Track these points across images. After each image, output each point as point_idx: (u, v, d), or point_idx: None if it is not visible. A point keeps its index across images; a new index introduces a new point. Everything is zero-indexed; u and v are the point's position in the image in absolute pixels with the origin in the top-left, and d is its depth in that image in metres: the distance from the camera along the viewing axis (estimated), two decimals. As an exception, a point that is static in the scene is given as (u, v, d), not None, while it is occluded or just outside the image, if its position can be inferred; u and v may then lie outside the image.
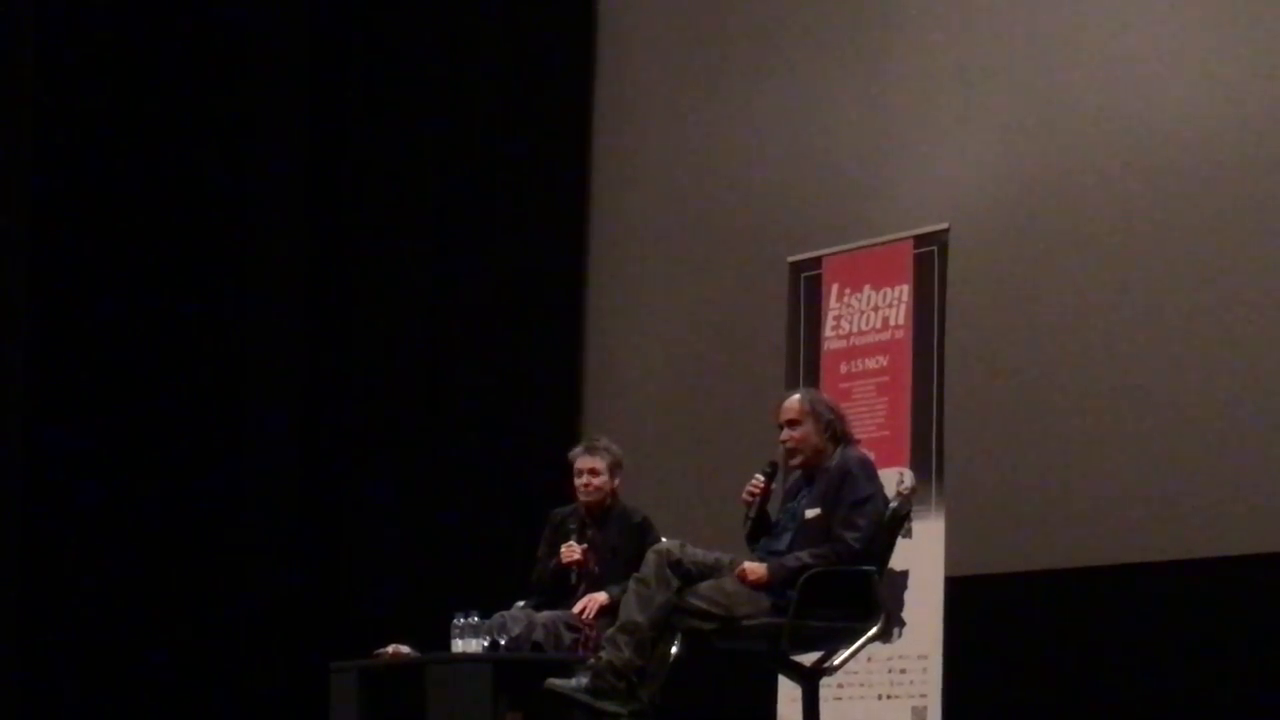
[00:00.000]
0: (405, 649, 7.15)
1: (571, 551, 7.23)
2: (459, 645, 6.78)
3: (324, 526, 11.10)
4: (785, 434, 6.62)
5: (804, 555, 6.39)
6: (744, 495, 6.64)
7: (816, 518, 6.49)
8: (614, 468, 7.52)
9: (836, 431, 6.65)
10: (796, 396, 6.73)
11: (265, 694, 10.69)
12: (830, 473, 6.55)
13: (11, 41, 10.55)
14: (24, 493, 10.43)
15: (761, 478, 6.64)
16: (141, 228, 10.82)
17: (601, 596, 7.17)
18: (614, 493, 7.52)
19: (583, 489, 7.49)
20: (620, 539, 7.38)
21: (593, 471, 7.48)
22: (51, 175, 10.61)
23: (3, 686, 10.28)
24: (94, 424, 10.61)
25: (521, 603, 7.37)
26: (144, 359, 10.81)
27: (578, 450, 7.56)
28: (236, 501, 11.05)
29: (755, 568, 6.35)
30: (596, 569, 7.35)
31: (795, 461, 6.64)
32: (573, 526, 7.50)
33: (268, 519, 11.12)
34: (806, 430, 6.61)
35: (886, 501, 6.57)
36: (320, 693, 7.32)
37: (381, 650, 7.18)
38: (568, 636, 7.06)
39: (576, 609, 7.12)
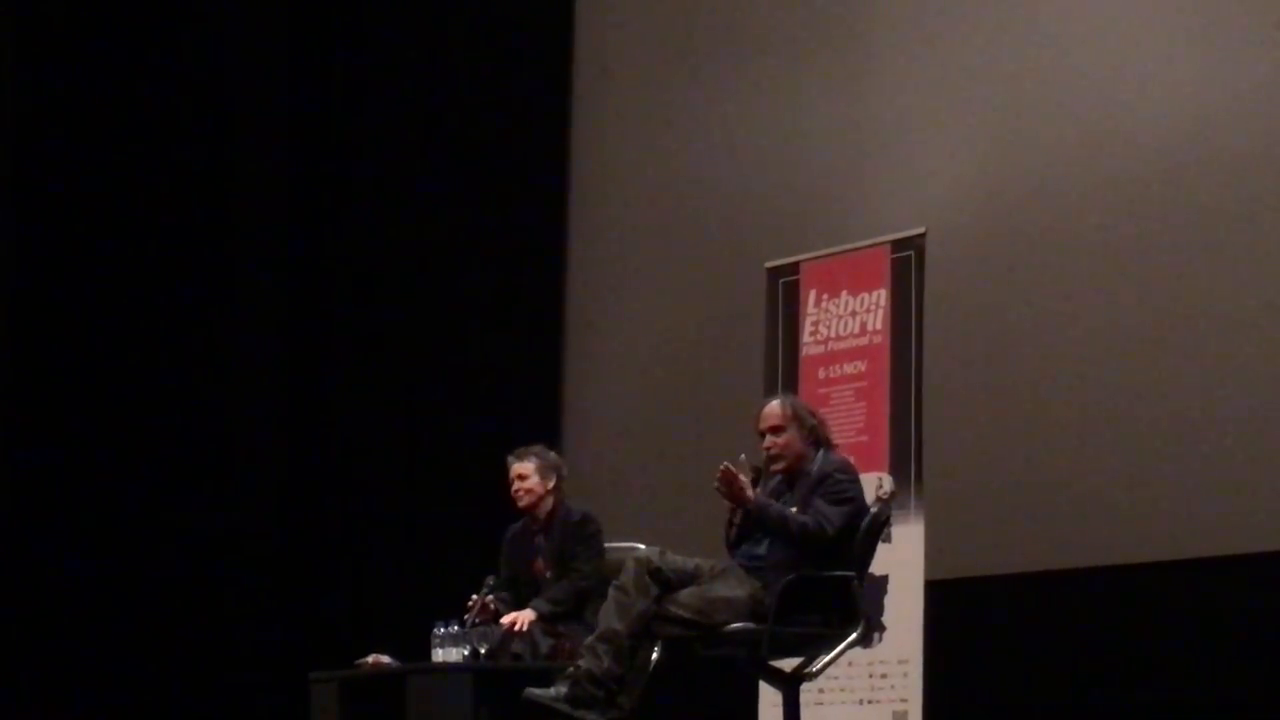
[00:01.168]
0: (386, 659, 7.12)
1: (472, 605, 7.15)
2: (439, 655, 6.77)
3: (304, 536, 11.08)
4: (769, 440, 6.62)
5: (787, 513, 6.39)
6: (717, 485, 6.61)
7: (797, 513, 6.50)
8: (545, 471, 7.44)
9: (818, 436, 6.67)
10: (777, 402, 6.73)
11: (245, 705, 10.67)
12: (811, 477, 6.55)
13: None
14: (1, 509, 10.40)
15: (744, 479, 6.63)
16: (123, 224, 10.80)
17: (527, 614, 7.11)
18: (551, 495, 7.44)
19: (516, 495, 7.44)
20: (566, 542, 7.36)
21: (521, 476, 7.42)
22: (33, 179, 10.59)
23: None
24: (72, 430, 10.59)
25: (490, 580, 7.35)
26: (125, 365, 10.78)
27: (510, 458, 7.51)
28: (217, 511, 11.02)
29: (746, 485, 6.36)
30: (549, 575, 7.34)
31: (778, 467, 6.64)
32: (524, 539, 7.47)
33: (248, 529, 11.09)
34: (790, 436, 6.61)
35: (866, 506, 6.57)
36: (301, 703, 7.30)
37: (362, 660, 7.16)
38: (545, 644, 7.04)
39: (505, 623, 7.08)
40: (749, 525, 6.65)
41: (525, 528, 7.51)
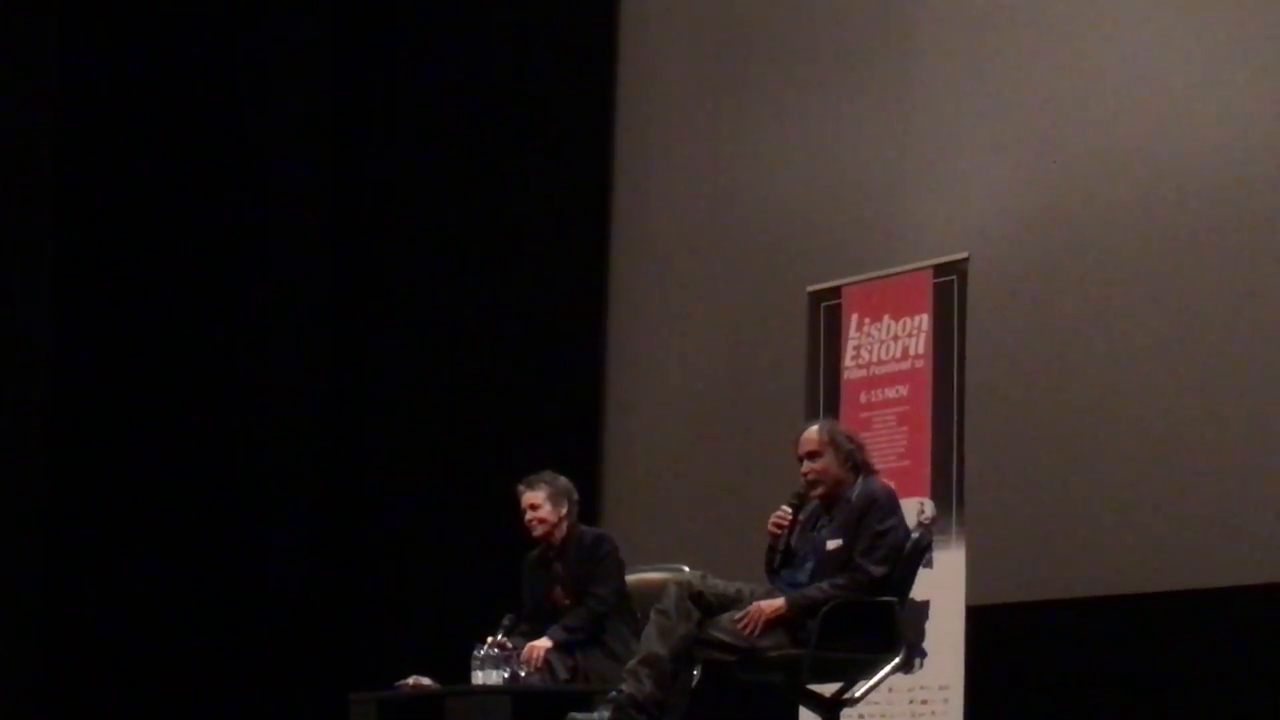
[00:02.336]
0: (425, 680, 7.12)
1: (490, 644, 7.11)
2: (479, 677, 6.76)
3: (345, 557, 11.10)
4: (806, 466, 6.60)
5: (825, 585, 6.37)
6: (770, 526, 6.62)
7: (838, 549, 6.48)
8: (556, 498, 7.37)
9: (856, 461, 6.64)
10: (815, 428, 6.72)
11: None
12: (852, 503, 6.53)
13: (37, 57, 10.59)
14: (44, 522, 10.44)
15: (788, 509, 6.63)
16: (164, 229, 10.81)
17: (543, 644, 7.07)
18: (564, 521, 7.38)
19: (530, 525, 7.39)
20: (582, 567, 7.33)
21: (533, 506, 7.36)
22: (76, 188, 10.62)
23: (19, 713, 10.29)
24: (112, 450, 10.61)
25: (507, 621, 7.33)
26: (165, 379, 10.80)
27: (520, 487, 7.45)
28: (257, 532, 11.05)
29: (771, 603, 6.32)
30: (568, 601, 7.31)
31: (817, 493, 6.63)
32: (542, 566, 7.44)
33: (289, 549, 11.11)
34: (827, 462, 6.59)
35: (908, 532, 6.56)
36: (341, 724, 7.31)
37: (402, 682, 7.16)
38: (563, 672, 7.03)
39: (524, 661, 7.02)
40: (789, 551, 6.63)
41: (542, 555, 7.46)
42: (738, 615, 6.32)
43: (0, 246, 10.42)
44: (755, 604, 6.33)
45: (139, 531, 10.59)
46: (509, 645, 7.01)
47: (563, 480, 7.46)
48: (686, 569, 6.91)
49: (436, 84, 11.16)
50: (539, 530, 7.36)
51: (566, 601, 7.29)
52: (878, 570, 6.36)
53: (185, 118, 10.90)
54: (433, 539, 10.83)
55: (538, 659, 6.99)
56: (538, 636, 7.14)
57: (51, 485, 10.45)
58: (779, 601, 6.31)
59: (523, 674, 6.84)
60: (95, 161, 10.64)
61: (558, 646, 7.05)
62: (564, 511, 7.38)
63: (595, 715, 6.23)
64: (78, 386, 10.55)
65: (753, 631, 6.29)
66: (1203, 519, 7.81)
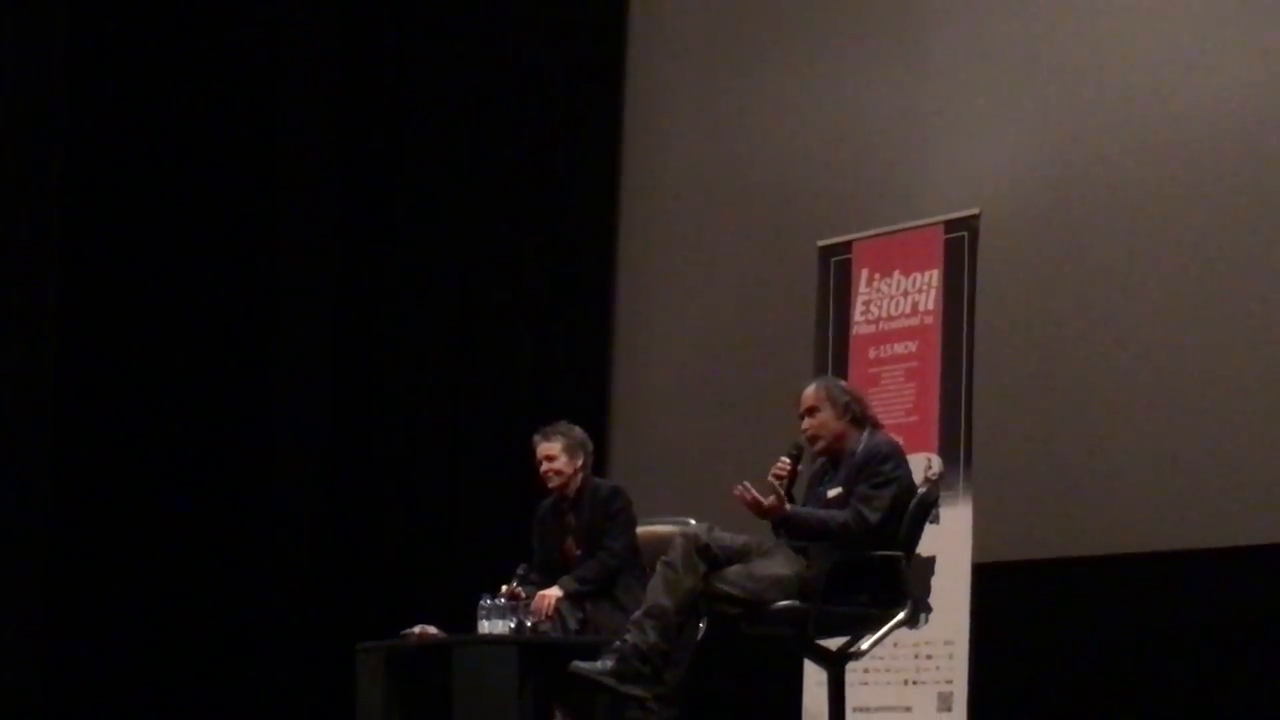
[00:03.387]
0: (432, 630, 7.14)
1: (504, 594, 7.10)
2: (485, 626, 6.78)
3: (351, 507, 11.12)
4: (806, 422, 6.64)
5: (824, 514, 6.39)
6: (770, 478, 6.63)
7: (838, 496, 6.50)
8: (572, 450, 7.36)
9: (856, 414, 6.65)
10: (811, 387, 6.76)
11: (292, 675, 10.72)
12: (855, 456, 6.55)
13: (43, 51, 10.62)
14: (52, 465, 10.47)
15: (788, 460, 6.64)
16: (169, 198, 10.85)
17: (554, 593, 7.08)
18: (579, 474, 7.38)
19: (545, 476, 7.37)
20: (595, 519, 7.32)
21: (549, 457, 7.34)
22: (82, 175, 10.66)
23: (27, 660, 10.33)
24: (123, 394, 10.63)
25: (521, 569, 7.35)
26: (175, 330, 10.83)
27: (535, 438, 7.42)
28: (265, 483, 11.08)
29: (771, 500, 6.35)
30: (580, 552, 7.31)
31: (818, 448, 6.65)
32: (554, 516, 7.43)
33: (296, 500, 11.14)
34: (824, 417, 6.62)
35: (912, 487, 6.56)
36: (347, 673, 7.33)
37: (408, 631, 7.18)
38: (573, 621, 7.05)
39: (532, 612, 7.03)
40: (788, 532, 6.64)
41: (554, 507, 7.45)
42: (740, 568, 6.34)
43: (11, 226, 10.48)
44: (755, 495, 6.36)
45: (146, 480, 10.62)
46: (522, 594, 7.03)
47: (578, 431, 7.45)
48: (693, 522, 6.93)
49: (445, 34, 11.14)
50: (554, 482, 7.36)
51: (578, 553, 7.29)
52: (873, 516, 6.36)
53: (193, 106, 10.95)
54: (441, 489, 10.85)
55: (549, 607, 7.00)
56: (548, 587, 7.15)
57: (58, 432, 10.48)
58: (776, 503, 6.34)
59: (529, 623, 6.85)
60: (102, 154, 10.69)
61: (569, 596, 7.06)
62: (579, 463, 7.38)
63: (599, 665, 6.24)
64: (85, 336, 10.59)
65: (750, 499, 6.32)
66: (1211, 478, 7.81)
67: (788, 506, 6.42)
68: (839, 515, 6.40)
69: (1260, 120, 7.83)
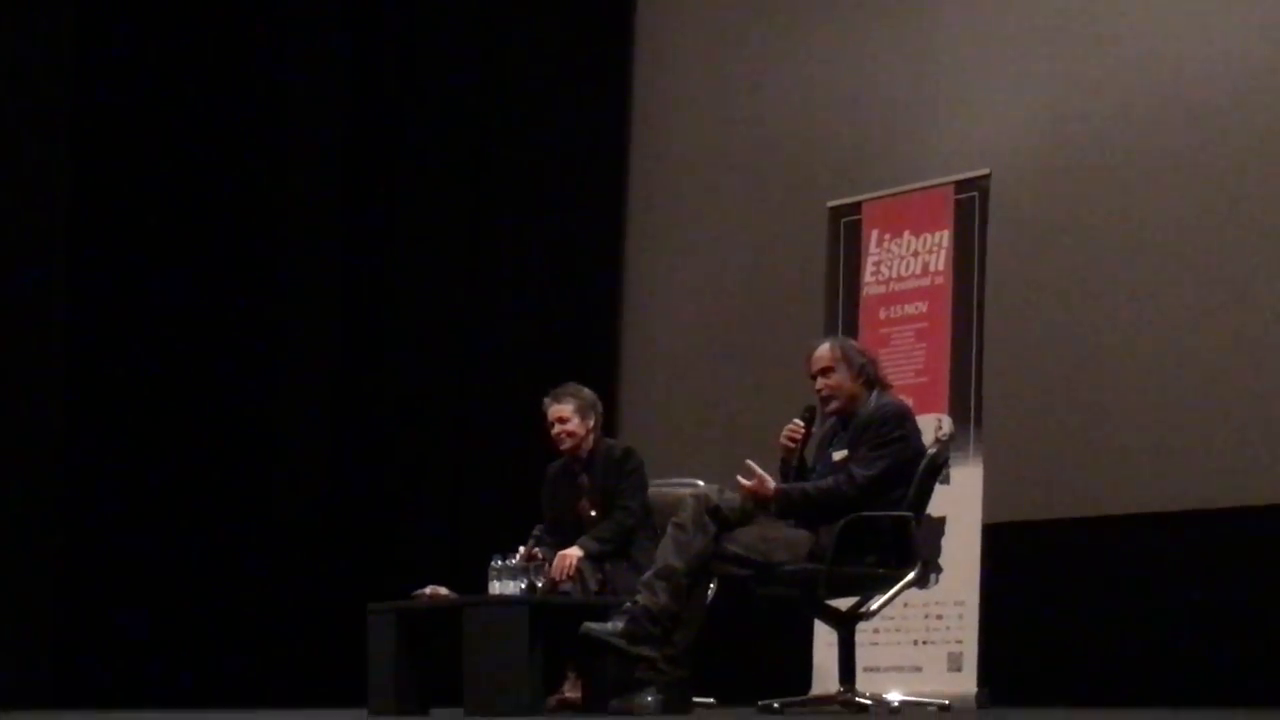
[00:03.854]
0: (443, 591, 7.15)
1: (522, 555, 7.07)
2: (496, 588, 6.78)
3: (363, 469, 11.14)
4: (820, 383, 6.59)
5: (807, 487, 6.38)
6: (783, 439, 6.62)
7: (844, 459, 6.48)
8: (584, 411, 7.31)
9: (869, 376, 6.62)
10: (827, 345, 6.70)
11: (304, 636, 10.76)
12: (863, 418, 6.53)
13: (51, 60, 10.66)
14: (64, 430, 10.51)
15: (800, 423, 6.62)
16: (173, 182, 10.90)
17: (575, 552, 7.06)
18: (590, 435, 7.34)
19: (557, 438, 7.33)
20: (609, 479, 7.31)
21: (562, 419, 7.29)
22: (88, 169, 10.75)
23: (43, 622, 10.37)
24: (132, 363, 10.67)
25: (537, 530, 7.34)
26: (180, 294, 10.87)
27: (546, 400, 7.37)
28: (276, 446, 11.11)
29: (766, 482, 6.33)
30: (595, 513, 7.29)
31: (832, 408, 6.62)
32: (565, 478, 7.42)
33: (307, 463, 11.17)
34: (840, 377, 6.58)
35: (921, 447, 6.55)
36: (358, 634, 7.35)
37: (419, 592, 7.19)
38: (593, 581, 7.04)
39: (553, 572, 7.01)
40: (804, 465, 6.64)
41: (566, 468, 7.41)
42: (751, 529, 6.34)
43: (19, 231, 10.53)
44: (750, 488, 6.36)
45: (156, 440, 10.66)
46: (539, 554, 7.02)
47: (588, 392, 7.41)
48: (701, 483, 6.92)
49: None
50: (567, 444, 7.32)
51: (593, 513, 7.27)
52: (862, 476, 6.34)
53: (201, 113, 10.99)
54: (450, 451, 10.86)
55: (570, 567, 6.99)
56: (561, 548, 7.14)
57: (71, 404, 10.55)
58: (771, 484, 6.32)
59: (539, 584, 6.85)
60: (108, 157, 10.73)
61: (589, 556, 7.05)
62: (591, 424, 7.34)
63: (610, 626, 6.24)
64: (95, 320, 10.65)
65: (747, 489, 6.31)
66: (1220, 438, 7.82)
67: (772, 486, 6.36)
68: (824, 483, 6.38)
69: (1267, 80, 7.81)
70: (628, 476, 7.24)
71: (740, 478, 6.34)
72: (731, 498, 6.40)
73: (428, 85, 11.28)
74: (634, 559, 7.03)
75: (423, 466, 10.97)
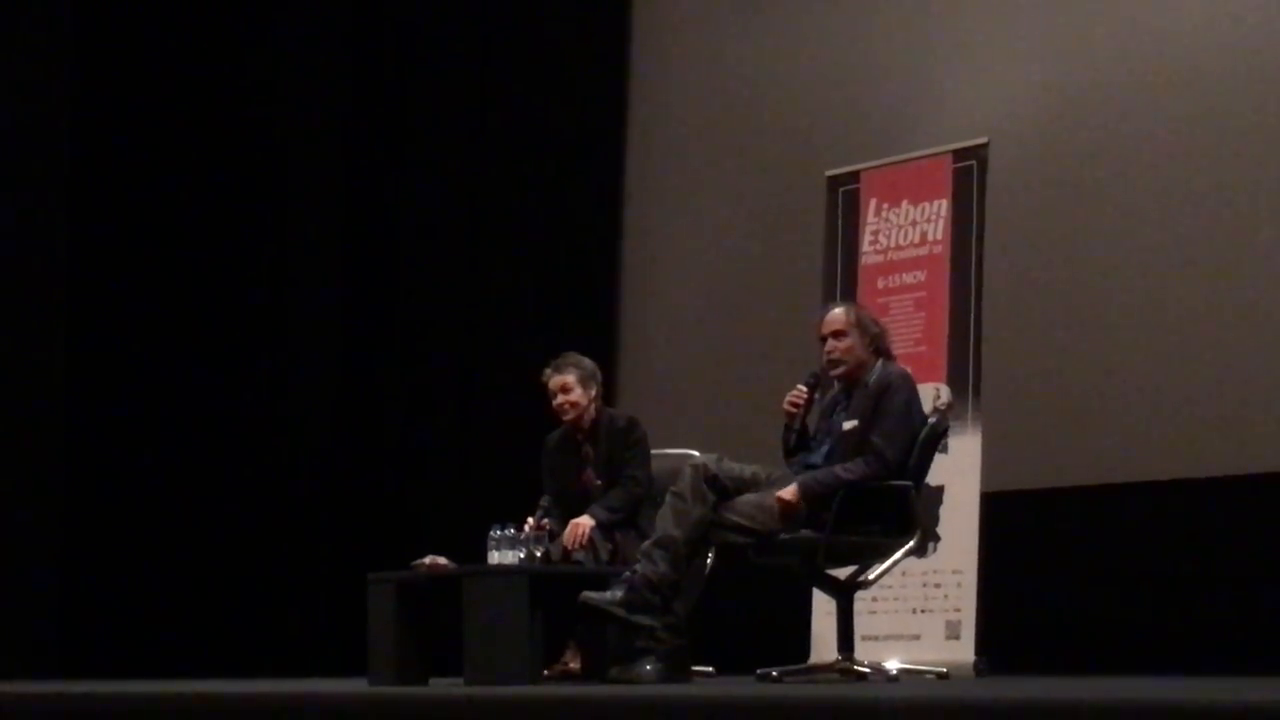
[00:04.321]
0: (442, 561, 7.15)
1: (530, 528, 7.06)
2: (496, 557, 6.79)
3: (363, 439, 11.15)
4: (830, 345, 6.58)
5: (838, 469, 6.38)
6: (786, 405, 6.61)
7: (854, 430, 6.47)
8: (586, 380, 7.30)
9: (879, 345, 6.62)
10: (841, 309, 6.69)
11: (304, 607, 10.78)
12: (869, 387, 6.52)
13: (50, 63, 10.67)
14: (65, 406, 10.54)
15: (804, 388, 6.62)
16: (174, 172, 10.93)
17: (587, 521, 7.06)
18: (592, 405, 7.33)
19: (560, 409, 7.31)
20: (614, 449, 7.31)
21: (564, 389, 7.28)
22: (88, 167, 10.80)
23: (46, 596, 10.40)
24: (135, 338, 10.69)
25: (545, 502, 7.33)
26: (185, 267, 10.90)
27: (547, 371, 7.36)
28: (276, 419, 11.12)
29: (788, 491, 6.32)
30: (599, 483, 7.29)
31: (838, 372, 6.61)
32: (569, 448, 7.41)
33: (307, 434, 11.18)
34: (852, 342, 6.57)
35: (924, 417, 6.56)
36: (358, 604, 7.36)
37: (419, 562, 7.20)
38: (605, 551, 7.05)
39: (565, 541, 7.03)
40: (806, 433, 6.64)
41: (568, 438, 7.40)
42: (750, 498, 6.34)
43: (22, 227, 10.58)
44: (774, 495, 6.32)
45: (158, 414, 10.68)
46: (547, 526, 7.02)
47: (589, 362, 7.40)
48: (697, 454, 6.94)
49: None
50: (570, 414, 7.30)
51: (598, 483, 7.27)
52: (892, 454, 6.36)
53: (201, 104, 11.02)
54: (450, 421, 10.87)
55: (583, 535, 7.00)
56: (565, 519, 7.15)
57: (74, 381, 10.58)
58: (792, 488, 6.31)
59: (539, 553, 6.85)
60: (109, 152, 10.76)
61: (600, 525, 7.06)
62: (593, 394, 7.34)
63: (609, 595, 6.26)
64: (98, 301, 10.67)
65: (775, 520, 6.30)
66: (1218, 407, 7.82)
67: (797, 498, 6.33)
68: (854, 468, 6.37)
69: (1267, 54, 7.80)
70: (633, 447, 7.24)
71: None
72: (730, 466, 6.41)
73: (427, 48, 11.27)
74: (641, 529, 7.03)
75: (422, 437, 10.97)
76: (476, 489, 10.14)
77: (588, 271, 10.34)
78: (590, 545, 6.99)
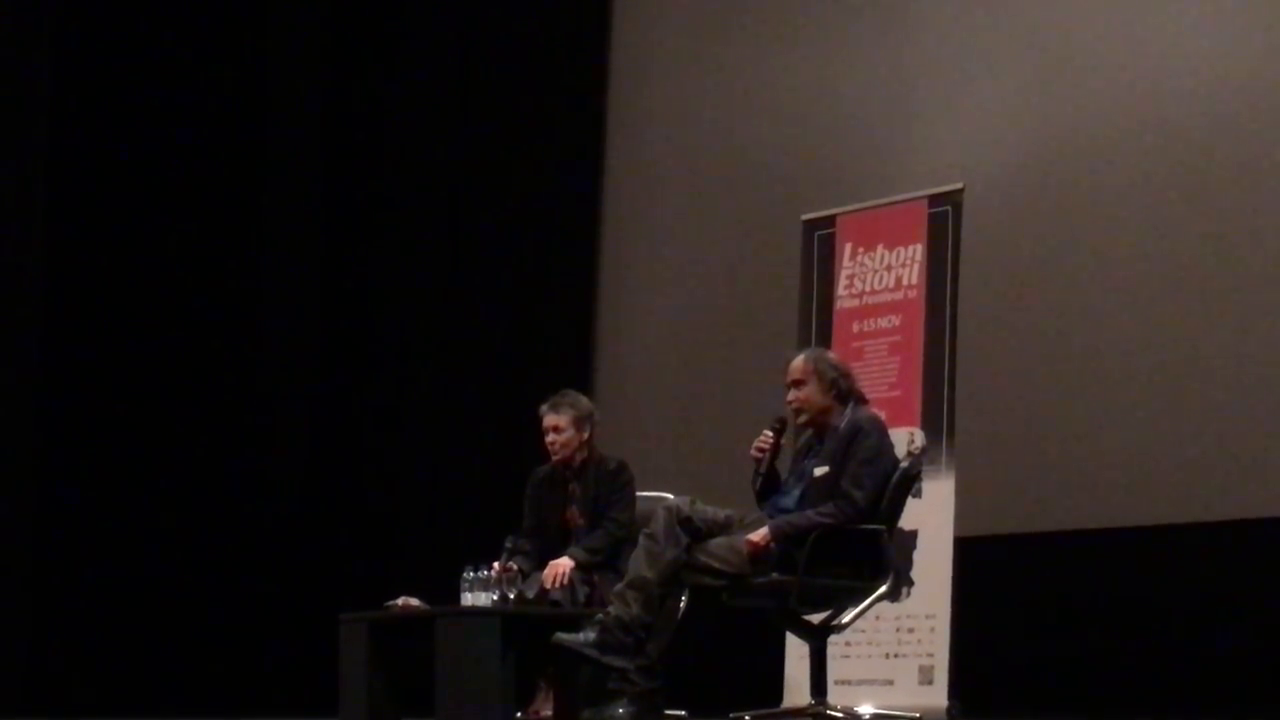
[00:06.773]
0: (415, 601, 7.14)
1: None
2: (468, 599, 6.78)
3: (336, 479, 11.13)
4: (791, 394, 6.62)
5: (810, 514, 6.39)
6: (753, 451, 6.63)
7: (825, 475, 6.48)
8: (579, 422, 7.34)
9: (842, 390, 6.62)
10: (800, 357, 6.71)
11: (275, 646, 10.74)
12: (840, 432, 6.54)
13: (27, 36, 10.63)
14: (38, 438, 10.49)
15: (770, 433, 6.63)
16: (154, 178, 10.88)
17: (566, 561, 7.08)
18: (585, 445, 7.37)
19: (550, 446, 7.36)
20: (601, 490, 7.34)
21: (556, 429, 7.32)
22: (67, 164, 10.74)
23: (15, 629, 10.35)
24: (110, 369, 10.65)
25: (509, 543, 7.34)
26: (160, 304, 10.85)
27: (543, 408, 7.41)
28: (251, 454, 11.09)
29: (758, 534, 6.33)
30: (582, 522, 7.31)
31: (802, 420, 6.64)
32: (553, 484, 7.42)
33: (281, 473, 11.15)
34: (810, 390, 6.59)
35: (896, 461, 6.56)
36: (330, 644, 7.34)
37: (391, 602, 7.18)
38: (582, 592, 7.05)
39: (544, 580, 7.06)
40: (777, 477, 6.65)
41: (555, 475, 7.44)
42: (723, 540, 6.34)
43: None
44: (744, 539, 6.33)
45: (131, 448, 10.64)
46: (514, 568, 7.02)
47: (585, 402, 7.46)
48: (671, 496, 6.93)
49: (434, 2, 11.16)
50: (560, 453, 7.35)
51: (581, 522, 7.29)
52: (862, 497, 6.37)
53: (182, 106, 11.02)
54: (424, 462, 10.86)
55: (562, 576, 7.00)
56: (543, 555, 7.16)
57: (44, 412, 10.52)
58: (763, 531, 6.32)
59: (512, 595, 6.84)
60: (88, 151, 10.74)
61: (579, 566, 7.06)
62: (585, 435, 7.38)
63: (582, 637, 6.24)
64: (73, 311, 10.62)
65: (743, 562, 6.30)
66: (1192, 453, 7.84)
67: (767, 540, 6.34)
68: (824, 510, 6.38)
69: (1240, 98, 7.85)
70: (620, 490, 7.27)
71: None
72: (704, 509, 6.41)
73: (406, 100, 11.29)
74: (621, 570, 7.03)
75: (395, 477, 10.95)
76: (449, 530, 10.13)
77: (563, 314, 10.35)
78: (569, 586, 6.99)
